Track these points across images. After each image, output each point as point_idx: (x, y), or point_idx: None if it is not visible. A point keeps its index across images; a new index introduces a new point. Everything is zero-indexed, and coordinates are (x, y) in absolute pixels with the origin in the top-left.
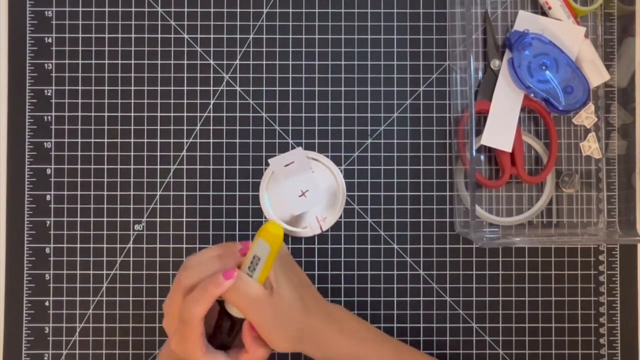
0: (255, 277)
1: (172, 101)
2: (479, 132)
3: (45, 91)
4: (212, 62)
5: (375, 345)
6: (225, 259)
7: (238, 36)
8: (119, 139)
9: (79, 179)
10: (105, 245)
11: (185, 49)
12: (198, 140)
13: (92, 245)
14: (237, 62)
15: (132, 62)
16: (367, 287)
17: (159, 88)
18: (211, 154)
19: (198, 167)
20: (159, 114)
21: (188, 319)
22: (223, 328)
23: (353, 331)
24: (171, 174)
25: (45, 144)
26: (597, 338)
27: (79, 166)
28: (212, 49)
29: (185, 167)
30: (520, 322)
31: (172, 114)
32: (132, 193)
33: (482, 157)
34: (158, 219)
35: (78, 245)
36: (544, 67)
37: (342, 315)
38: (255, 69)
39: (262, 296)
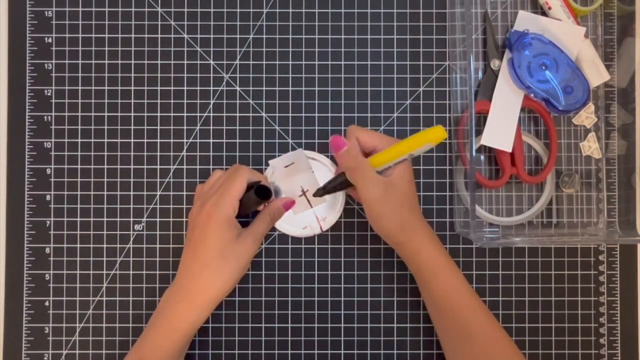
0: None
1: (172, 101)
2: (479, 132)
3: (45, 91)
4: (212, 62)
5: (457, 272)
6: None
7: (238, 36)
8: (119, 139)
9: (79, 179)
10: (105, 245)
11: (185, 49)
12: (198, 140)
13: (92, 245)
14: (237, 62)
15: (132, 62)
16: (367, 287)
17: (159, 88)
18: (211, 154)
19: (198, 167)
20: (159, 114)
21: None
22: (253, 205)
23: (442, 250)
24: (171, 174)
25: (45, 144)
26: (597, 338)
27: (79, 166)
28: (212, 49)
29: (185, 167)
30: (520, 322)
31: (172, 114)
32: (132, 193)
33: (482, 157)
34: (158, 219)
35: (78, 245)
36: (544, 67)
37: (437, 237)
38: (255, 69)
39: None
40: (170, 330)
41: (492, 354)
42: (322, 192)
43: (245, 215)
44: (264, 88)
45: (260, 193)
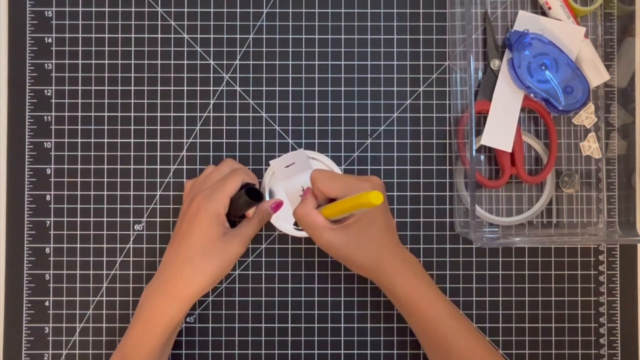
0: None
1: (172, 101)
2: (479, 132)
3: (45, 91)
4: (212, 62)
5: (436, 295)
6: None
7: (238, 36)
8: (119, 139)
9: (79, 179)
10: (105, 245)
11: (185, 49)
12: (198, 140)
13: (92, 245)
14: (237, 62)
15: (132, 62)
16: (367, 287)
17: (159, 88)
18: (211, 154)
19: (198, 167)
20: (159, 114)
21: None
22: (243, 206)
23: (423, 278)
24: (171, 174)
25: (45, 144)
26: (597, 338)
27: (79, 166)
28: (212, 49)
29: (185, 167)
30: (520, 322)
31: (172, 114)
32: (132, 193)
33: (482, 157)
34: (158, 219)
35: (78, 245)
36: (543, 67)
37: (417, 264)
38: (255, 69)
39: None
40: (150, 325)
41: None
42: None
43: (234, 218)
44: (264, 88)
45: (251, 194)
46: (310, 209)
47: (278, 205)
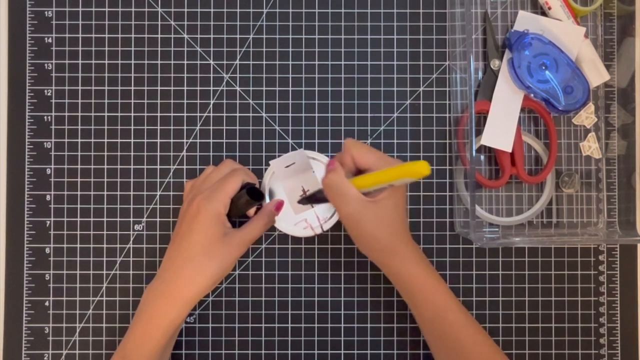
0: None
1: (172, 101)
2: (479, 132)
3: (45, 91)
4: (212, 62)
5: (444, 286)
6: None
7: (238, 36)
8: (119, 139)
9: (79, 179)
10: (105, 245)
11: (185, 49)
12: (198, 140)
13: (92, 245)
14: (237, 62)
15: (132, 62)
16: (367, 287)
17: (159, 88)
18: (211, 154)
19: (198, 167)
20: (159, 114)
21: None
22: (243, 206)
23: (430, 267)
24: (171, 174)
25: (45, 144)
26: (597, 338)
27: (79, 166)
28: (212, 49)
29: (185, 167)
30: (520, 322)
31: (172, 114)
32: (132, 193)
33: (482, 157)
34: (158, 219)
35: (78, 245)
36: (543, 67)
37: (423, 256)
38: (255, 69)
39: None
40: (150, 326)
41: None
42: (306, 201)
43: (235, 218)
44: (264, 88)
45: (252, 193)
46: (342, 177)
47: (280, 205)
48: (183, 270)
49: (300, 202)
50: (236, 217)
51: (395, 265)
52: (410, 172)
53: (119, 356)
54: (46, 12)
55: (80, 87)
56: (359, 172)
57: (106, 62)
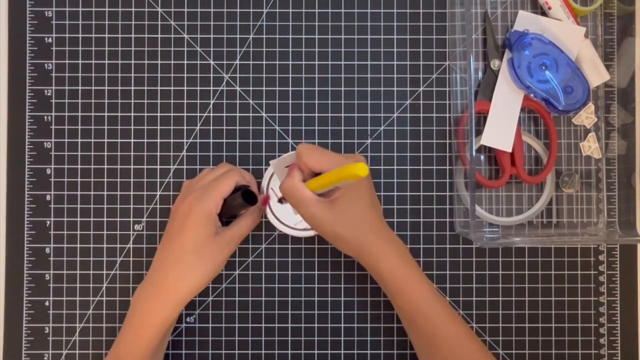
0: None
1: (172, 101)
2: (479, 132)
3: (45, 91)
4: (212, 62)
5: (420, 278)
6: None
7: (238, 36)
8: (119, 139)
9: (79, 179)
10: (105, 245)
11: (185, 49)
12: (198, 140)
13: (92, 245)
14: (237, 62)
15: (132, 62)
16: (367, 287)
17: (159, 88)
18: (211, 154)
19: (198, 167)
20: (159, 114)
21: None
22: (236, 208)
23: (408, 260)
24: (171, 174)
25: (45, 144)
26: (597, 338)
27: (79, 166)
28: (212, 49)
29: (185, 167)
30: (520, 322)
31: (172, 114)
32: (132, 193)
33: (482, 157)
34: (158, 219)
35: (78, 245)
36: (543, 67)
37: (403, 246)
38: (255, 69)
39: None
40: (142, 327)
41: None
42: (284, 200)
43: (226, 218)
44: (264, 88)
45: (246, 197)
46: (297, 181)
47: (265, 200)
48: (174, 269)
49: (279, 201)
50: (227, 217)
51: (368, 260)
52: (349, 175)
53: (111, 357)
54: (46, 12)
55: (80, 87)
56: (315, 175)
57: (106, 62)
